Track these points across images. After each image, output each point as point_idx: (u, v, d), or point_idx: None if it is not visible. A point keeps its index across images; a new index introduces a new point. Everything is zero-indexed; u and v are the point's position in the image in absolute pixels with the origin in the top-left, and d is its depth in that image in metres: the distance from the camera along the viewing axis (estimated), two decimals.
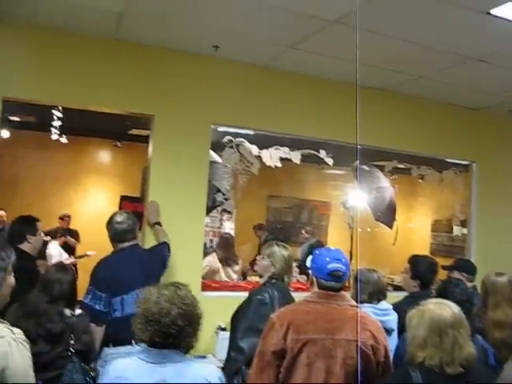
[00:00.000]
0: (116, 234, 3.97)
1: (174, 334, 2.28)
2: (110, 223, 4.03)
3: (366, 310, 3.39)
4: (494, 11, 3.64)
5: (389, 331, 3.49)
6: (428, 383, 2.34)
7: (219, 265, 6.47)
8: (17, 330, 2.19)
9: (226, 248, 6.75)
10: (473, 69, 4.84)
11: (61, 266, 3.48)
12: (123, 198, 10.03)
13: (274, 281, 3.63)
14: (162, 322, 2.27)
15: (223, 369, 3.54)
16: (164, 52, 4.76)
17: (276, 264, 3.65)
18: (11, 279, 2.34)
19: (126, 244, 3.97)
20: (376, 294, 3.60)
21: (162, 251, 4.21)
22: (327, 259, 2.74)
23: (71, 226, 9.09)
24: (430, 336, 2.41)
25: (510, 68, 4.80)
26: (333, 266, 2.71)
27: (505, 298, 3.51)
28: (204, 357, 4.53)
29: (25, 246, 4.00)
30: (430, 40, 4.28)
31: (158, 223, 4.45)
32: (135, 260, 3.91)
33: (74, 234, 8.97)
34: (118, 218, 4.02)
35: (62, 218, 9.01)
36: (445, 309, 2.49)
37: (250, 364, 3.31)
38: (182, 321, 2.29)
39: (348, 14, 3.78)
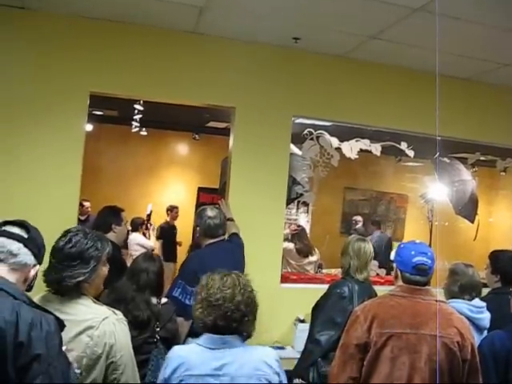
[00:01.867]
0: (209, 228, 3.98)
1: (237, 319, 2.34)
2: (202, 217, 4.02)
3: (460, 305, 3.30)
4: None
5: (482, 329, 3.40)
6: None
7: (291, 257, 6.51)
8: (118, 312, 2.39)
9: (300, 239, 6.78)
10: None
11: (148, 255, 3.58)
12: (201, 190, 10.22)
13: (353, 274, 3.61)
14: (226, 306, 2.32)
15: (299, 360, 3.59)
16: (243, 44, 4.79)
17: (354, 258, 3.63)
18: (104, 270, 2.48)
19: (217, 239, 3.99)
20: (469, 289, 3.48)
21: (240, 242, 4.24)
22: (412, 253, 2.70)
23: (154, 218, 9.35)
24: None
25: None
26: (418, 259, 2.66)
27: None
28: (282, 348, 4.57)
29: (111, 236, 4.13)
30: None
31: (230, 219, 4.44)
32: (225, 254, 3.90)
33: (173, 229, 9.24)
34: (211, 213, 4.01)
35: (170, 210, 9.31)
36: None
37: (325, 357, 3.36)
38: (245, 307, 2.36)
39: (431, 1, 3.68)
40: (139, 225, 8.28)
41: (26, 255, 2.01)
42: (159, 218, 9.39)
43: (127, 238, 7.59)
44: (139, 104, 7.39)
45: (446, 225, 7.64)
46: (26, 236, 2.04)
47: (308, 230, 8.01)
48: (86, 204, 7.97)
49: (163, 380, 2.33)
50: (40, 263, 2.11)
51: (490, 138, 5.79)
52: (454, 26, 4.08)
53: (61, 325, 1.94)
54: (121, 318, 2.36)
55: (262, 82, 4.84)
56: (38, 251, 2.07)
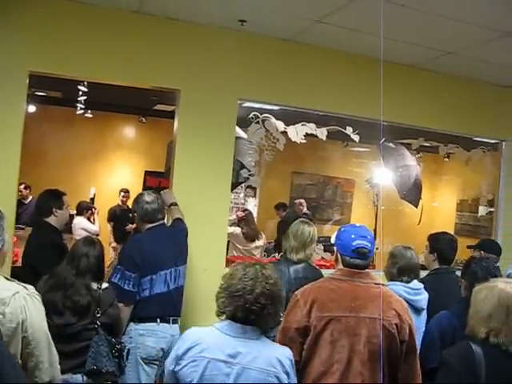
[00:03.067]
0: (146, 213, 3.91)
1: (256, 312, 2.33)
2: (139, 203, 3.96)
3: (397, 288, 3.40)
4: None
5: (419, 310, 3.50)
6: (490, 359, 2.34)
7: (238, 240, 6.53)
8: (29, 286, 2.33)
9: (246, 224, 6.79)
10: (505, 44, 4.70)
11: (89, 240, 3.51)
12: (147, 173, 10.10)
13: (289, 255, 3.64)
14: (245, 298, 2.31)
15: None
16: (190, 26, 4.71)
17: (291, 239, 3.66)
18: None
19: (155, 223, 3.94)
20: (407, 271, 3.57)
21: (183, 227, 4.18)
22: (352, 236, 2.72)
23: (101, 202, 9.19)
24: (496, 311, 2.41)
25: None
26: (358, 242, 2.68)
27: None
28: None
29: (51, 220, 4.05)
30: (461, 14, 4.16)
31: (174, 204, 4.36)
32: (164, 239, 3.88)
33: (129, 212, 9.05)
34: (148, 198, 3.95)
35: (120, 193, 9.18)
36: None
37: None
38: (265, 299, 2.34)
39: None
40: (84, 209, 8.12)
41: None
42: (107, 202, 9.24)
43: (71, 222, 7.43)
44: (83, 85, 7.20)
45: (391, 209, 7.78)
46: None
47: (255, 214, 8.03)
48: (22, 188, 7.78)
49: (175, 357, 2.32)
50: None
51: (433, 125, 5.89)
52: (398, 12, 4.10)
53: None
54: (33, 293, 2.30)
55: (208, 64, 4.77)
56: None
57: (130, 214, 8.93)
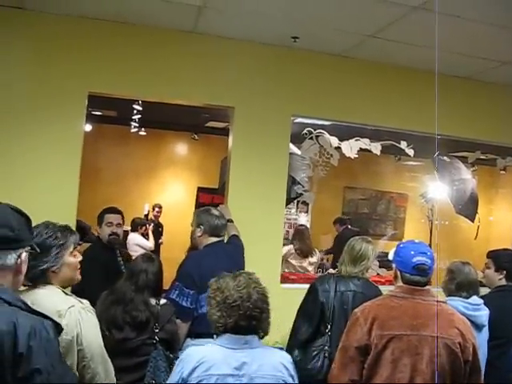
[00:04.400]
0: (216, 227, 3.90)
1: (257, 317, 2.34)
2: (208, 216, 3.94)
3: (456, 303, 3.32)
4: None
5: (479, 327, 3.40)
6: None
7: (291, 257, 6.51)
8: (84, 301, 2.40)
9: (300, 240, 6.76)
10: None
11: (147, 256, 3.55)
12: (200, 190, 10.19)
13: (340, 270, 3.61)
14: (245, 305, 2.32)
15: None
16: (242, 44, 4.77)
17: (345, 254, 3.63)
18: (73, 260, 2.49)
19: (216, 239, 3.93)
20: (466, 286, 3.50)
21: (240, 244, 4.20)
22: (412, 252, 2.67)
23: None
24: None
25: None
26: (418, 259, 2.64)
27: None
28: (282, 348, 4.53)
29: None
30: None
31: (230, 220, 4.36)
32: (222, 256, 3.85)
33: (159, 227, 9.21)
34: (217, 212, 3.96)
35: (153, 209, 9.34)
36: None
37: (303, 348, 3.41)
38: (261, 303, 2.38)
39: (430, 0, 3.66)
40: (139, 225, 8.26)
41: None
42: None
43: (125, 239, 7.56)
44: (138, 104, 7.37)
45: (446, 224, 7.63)
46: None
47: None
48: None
49: (180, 379, 2.31)
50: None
51: (490, 137, 5.77)
52: (453, 24, 4.06)
53: (58, 328, 1.91)
54: (87, 307, 2.37)
55: (261, 81, 4.82)
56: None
57: (160, 229, 9.12)
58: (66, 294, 2.39)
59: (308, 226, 8.05)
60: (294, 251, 6.66)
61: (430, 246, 6.04)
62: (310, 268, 6.59)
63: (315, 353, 3.34)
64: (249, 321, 2.33)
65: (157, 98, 4.89)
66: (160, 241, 9.01)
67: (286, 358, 2.43)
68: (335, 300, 3.40)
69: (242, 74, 4.77)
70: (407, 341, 2.50)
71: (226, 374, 2.26)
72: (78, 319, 2.28)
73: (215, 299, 2.40)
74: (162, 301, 3.42)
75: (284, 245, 6.77)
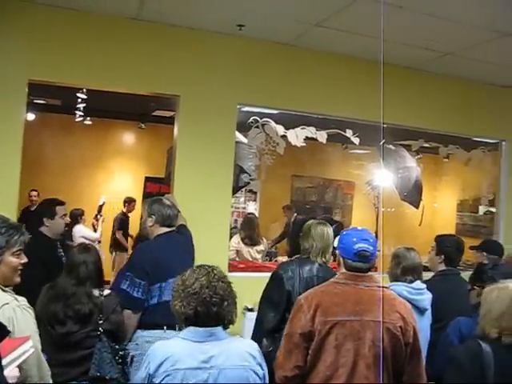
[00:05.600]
0: (168, 217, 3.86)
1: (217, 303, 2.32)
2: (159, 207, 3.87)
3: (399, 288, 3.39)
4: None
5: (422, 311, 3.49)
6: (497, 354, 2.37)
7: (242, 245, 6.51)
8: (21, 298, 2.32)
9: (249, 228, 6.77)
10: (502, 45, 4.72)
11: (83, 247, 3.49)
12: (148, 179, 10.08)
13: (313, 257, 3.61)
14: (204, 292, 2.31)
15: None
16: (188, 32, 4.73)
17: (318, 240, 3.63)
18: (13, 260, 2.40)
19: (167, 229, 3.88)
20: (410, 271, 3.57)
21: (189, 233, 4.17)
22: (354, 239, 2.71)
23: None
24: (509, 310, 2.43)
25: None
26: (360, 246, 2.67)
27: None
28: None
29: (44, 230, 4.02)
30: (459, 15, 4.17)
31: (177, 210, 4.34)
32: (174, 246, 3.82)
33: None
34: (168, 202, 3.92)
35: (128, 202, 9.26)
36: None
37: (270, 336, 3.40)
38: (223, 291, 2.35)
39: None
40: (78, 216, 8.09)
41: None
42: (108, 209, 9.27)
43: (70, 231, 7.43)
44: (82, 92, 7.20)
45: (392, 211, 7.77)
46: None
47: None
48: (33, 193, 7.79)
49: (147, 376, 2.27)
50: None
51: (432, 126, 5.91)
52: (397, 14, 4.12)
53: (5, 331, 1.86)
54: (23, 305, 2.29)
55: (207, 69, 4.79)
56: None
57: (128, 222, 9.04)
58: (3, 290, 2.31)
59: (257, 214, 8.08)
60: (242, 239, 6.66)
61: (375, 232, 6.18)
62: (259, 256, 6.62)
63: None
64: (208, 307, 2.31)
65: (100, 87, 4.81)
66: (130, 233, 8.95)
67: (253, 347, 2.42)
68: (300, 286, 3.41)
69: (187, 62, 4.73)
70: (350, 326, 2.54)
71: (194, 367, 2.25)
72: (11, 317, 2.20)
73: (178, 291, 2.38)
74: (106, 291, 3.38)
75: (233, 233, 6.81)
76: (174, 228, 3.94)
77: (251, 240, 6.64)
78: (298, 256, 3.70)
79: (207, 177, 4.73)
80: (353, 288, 2.64)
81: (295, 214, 8.13)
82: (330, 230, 3.70)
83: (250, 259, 6.45)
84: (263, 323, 3.48)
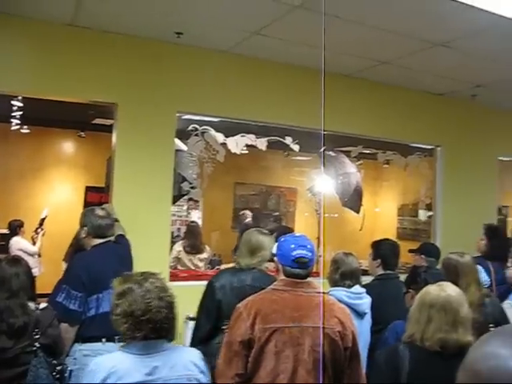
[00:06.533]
0: (100, 228, 3.80)
1: (166, 328, 2.33)
2: (91, 217, 3.82)
3: (339, 293, 3.44)
4: None
5: (361, 314, 3.55)
6: (413, 357, 2.44)
7: (183, 253, 6.49)
8: None
9: (192, 236, 6.77)
10: (435, 54, 4.86)
11: (12, 259, 3.38)
12: (88, 189, 9.90)
13: (236, 263, 3.62)
14: (154, 319, 2.29)
15: None
16: (126, 38, 4.67)
17: (241, 247, 3.64)
18: None
19: (102, 240, 3.81)
20: (349, 276, 3.63)
21: (127, 243, 4.11)
22: (292, 246, 2.72)
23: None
24: (419, 315, 2.52)
25: (470, 54, 4.85)
26: (298, 252, 2.69)
27: (474, 279, 3.57)
28: None
29: None
30: (393, 25, 4.27)
31: (115, 220, 4.22)
32: (111, 256, 3.76)
33: None
34: (100, 213, 3.85)
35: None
36: (440, 291, 2.57)
37: (206, 344, 3.39)
38: (170, 311, 2.35)
39: None
40: (17, 227, 7.86)
41: None
42: (49, 220, 9.02)
43: (7, 243, 7.22)
44: (17, 100, 7.01)
45: (335, 216, 7.87)
46: None
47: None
48: None
49: None
50: None
51: (371, 132, 6.03)
52: (334, 24, 4.17)
53: None
54: None
55: (145, 77, 4.74)
56: None
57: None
58: None
59: (200, 222, 8.05)
60: (185, 247, 6.64)
61: (318, 238, 6.23)
62: (201, 264, 6.60)
63: (214, 351, 3.34)
64: (159, 333, 2.30)
65: (34, 94, 4.70)
66: None
67: (196, 355, 2.43)
68: (232, 295, 3.40)
69: (125, 70, 4.67)
70: (289, 333, 2.55)
71: (139, 381, 2.22)
72: None
73: (122, 307, 2.32)
74: (43, 305, 3.28)
75: (176, 242, 6.78)
76: (110, 238, 3.88)
77: (194, 248, 6.63)
78: (234, 264, 3.72)
79: (146, 185, 4.67)
80: (291, 295, 2.65)
81: (247, 220, 8.18)
82: (265, 238, 3.70)
83: (192, 267, 6.43)
84: (197, 332, 3.49)
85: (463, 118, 6.63)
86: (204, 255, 6.67)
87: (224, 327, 3.31)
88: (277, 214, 9.62)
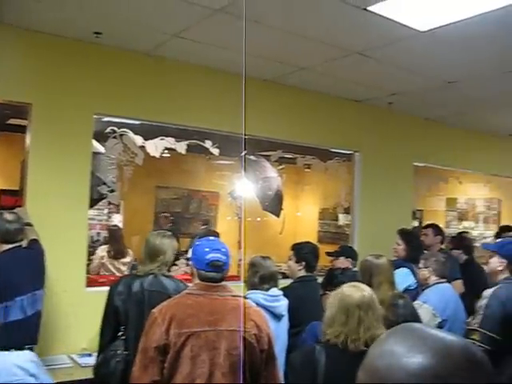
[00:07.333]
0: (8, 233, 3.69)
1: None
2: None
3: (256, 296, 3.47)
4: (370, 8, 3.75)
5: (278, 317, 3.59)
6: (330, 358, 2.48)
7: (106, 258, 6.39)
8: None
9: (114, 240, 6.66)
10: (353, 62, 4.98)
11: None
12: (2, 192, 9.52)
13: (140, 269, 3.58)
14: None
15: None
16: (42, 36, 4.50)
17: (144, 251, 3.61)
18: None
19: (14, 245, 3.70)
20: (267, 279, 3.66)
21: (40, 248, 3.98)
22: (206, 249, 2.74)
23: None
24: (337, 315, 2.56)
25: (386, 63, 5.00)
26: (212, 256, 2.70)
27: (386, 279, 3.67)
28: (90, 355, 4.40)
29: None
30: (312, 32, 4.34)
31: (29, 224, 4.12)
32: (21, 262, 3.66)
33: None
34: (9, 217, 3.73)
35: None
36: (356, 291, 2.63)
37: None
38: None
39: (232, 3, 3.75)
40: None
41: None
42: None
43: None
44: None
45: (257, 220, 7.93)
46: None
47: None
48: None
49: None
50: None
51: (292, 137, 6.10)
52: (254, 29, 4.19)
53: None
54: None
55: (62, 77, 4.59)
56: None
57: None
58: None
59: (121, 226, 7.90)
60: (108, 252, 6.54)
61: (239, 242, 6.24)
62: (124, 268, 6.50)
63: (109, 357, 3.32)
64: None
65: None
66: None
67: (24, 358, 2.35)
68: (130, 302, 3.38)
69: (41, 69, 4.51)
70: (205, 337, 2.55)
71: None
72: None
73: None
74: None
75: (97, 247, 6.65)
76: (20, 243, 3.75)
77: (117, 252, 6.53)
78: (136, 270, 3.68)
79: (62, 189, 4.52)
80: (207, 298, 2.66)
81: (170, 224, 8.12)
82: (168, 241, 3.67)
83: (116, 272, 6.33)
84: (101, 339, 3.46)
85: (380, 124, 6.83)
86: (127, 259, 6.58)
87: (120, 334, 3.30)
88: (199, 217, 9.58)
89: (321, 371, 2.48)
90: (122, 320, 3.34)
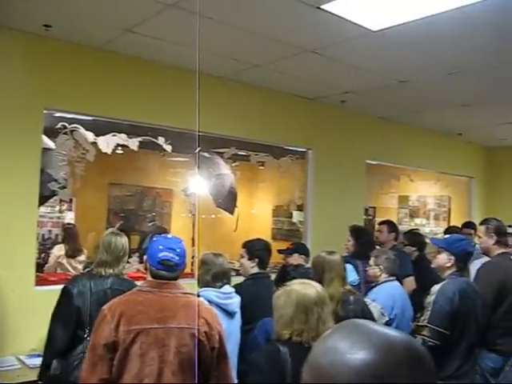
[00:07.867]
0: None
1: None
2: None
3: (208, 293, 3.46)
4: (323, 6, 3.78)
5: (231, 314, 3.59)
6: (295, 357, 2.47)
7: (63, 257, 6.29)
8: None
9: (70, 239, 6.58)
10: (305, 60, 5.01)
11: None
12: None
13: (101, 269, 3.51)
14: None
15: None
16: None
17: (104, 252, 3.55)
18: None
19: None
20: (220, 277, 3.65)
21: None
22: (160, 247, 2.71)
23: None
24: (296, 314, 2.56)
25: (338, 61, 5.05)
26: (164, 254, 2.68)
27: (338, 275, 3.72)
28: (40, 355, 4.32)
29: None
30: (264, 30, 4.35)
31: None
32: None
33: None
34: None
35: None
36: (309, 288, 2.66)
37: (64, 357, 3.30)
38: None
39: None
40: None
41: None
42: None
43: None
44: None
45: (211, 217, 7.90)
46: None
47: None
48: None
49: None
50: None
51: (244, 134, 6.11)
52: (207, 25, 4.18)
53: None
54: None
55: (8, 71, 4.46)
56: None
57: None
58: None
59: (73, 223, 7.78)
60: (64, 250, 6.44)
61: (192, 239, 6.22)
62: (80, 266, 6.40)
63: (76, 362, 3.21)
64: None
65: None
66: None
67: None
68: (92, 301, 3.31)
69: None
70: (154, 334, 2.53)
71: None
72: None
73: None
74: None
75: (49, 245, 6.53)
76: None
77: (73, 251, 6.45)
78: (90, 268, 3.61)
79: (10, 185, 4.40)
80: (157, 295, 2.64)
81: (121, 222, 8.02)
82: (122, 240, 3.63)
83: (73, 271, 6.23)
84: (53, 343, 3.35)
85: (333, 122, 6.91)
86: (82, 257, 6.50)
87: (86, 335, 3.22)
88: (152, 214, 9.50)
89: (288, 370, 2.47)
90: (85, 321, 3.26)
